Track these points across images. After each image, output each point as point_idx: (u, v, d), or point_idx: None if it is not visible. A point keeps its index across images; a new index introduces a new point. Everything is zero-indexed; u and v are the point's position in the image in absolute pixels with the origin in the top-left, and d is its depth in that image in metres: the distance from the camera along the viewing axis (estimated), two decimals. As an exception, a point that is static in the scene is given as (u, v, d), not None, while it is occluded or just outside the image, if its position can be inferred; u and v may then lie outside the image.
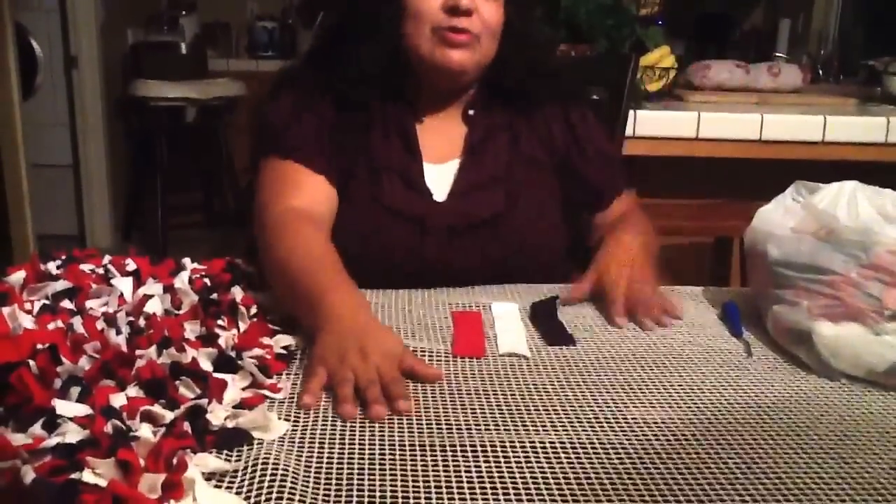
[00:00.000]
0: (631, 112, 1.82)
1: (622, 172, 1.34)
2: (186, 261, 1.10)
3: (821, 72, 3.32)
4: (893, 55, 2.53)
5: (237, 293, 0.95)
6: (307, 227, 1.04)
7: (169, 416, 0.68)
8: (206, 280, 1.02)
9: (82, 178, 3.93)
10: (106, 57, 3.89)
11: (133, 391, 0.72)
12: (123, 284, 0.97)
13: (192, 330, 0.85)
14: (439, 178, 1.20)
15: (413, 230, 1.16)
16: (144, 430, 0.64)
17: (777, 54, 3.53)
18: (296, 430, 0.72)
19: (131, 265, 1.06)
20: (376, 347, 0.81)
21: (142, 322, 0.86)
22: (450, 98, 1.24)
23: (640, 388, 0.85)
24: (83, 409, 0.67)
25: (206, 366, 0.78)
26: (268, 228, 1.04)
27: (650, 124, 1.96)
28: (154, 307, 0.90)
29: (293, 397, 0.79)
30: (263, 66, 4.18)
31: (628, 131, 1.89)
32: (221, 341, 0.83)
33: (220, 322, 0.89)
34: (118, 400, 0.69)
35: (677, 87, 2.35)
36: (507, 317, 1.02)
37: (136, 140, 4.09)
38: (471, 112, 1.24)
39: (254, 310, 0.94)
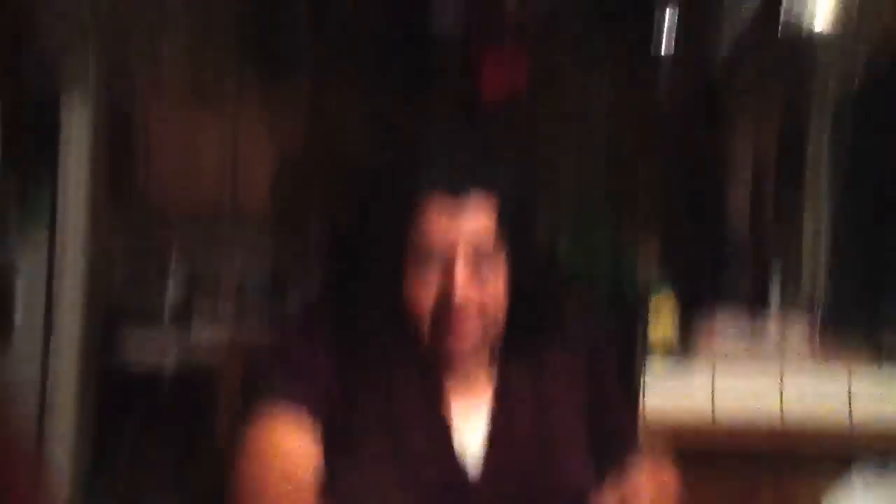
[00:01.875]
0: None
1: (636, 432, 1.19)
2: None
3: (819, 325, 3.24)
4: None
5: None
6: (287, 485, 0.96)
7: None
8: None
9: (45, 428, 3.69)
10: (91, 302, 3.79)
11: None
12: None
13: None
14: (469, 428, 1.06)
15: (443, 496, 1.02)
16: None
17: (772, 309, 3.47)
18: None
19: None
20: None
21: None
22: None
23: None
24: None
25: None
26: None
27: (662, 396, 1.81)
28: None
29: None
30: (253, 315, 4.08)
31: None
32: None
33: None
34: None
35: (680, 342, 2.24)
36: None
37: (109, 391, 3.89)
38: (496, 356, 1.11)
39: None
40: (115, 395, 3.80)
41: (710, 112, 4.21)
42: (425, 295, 1.00)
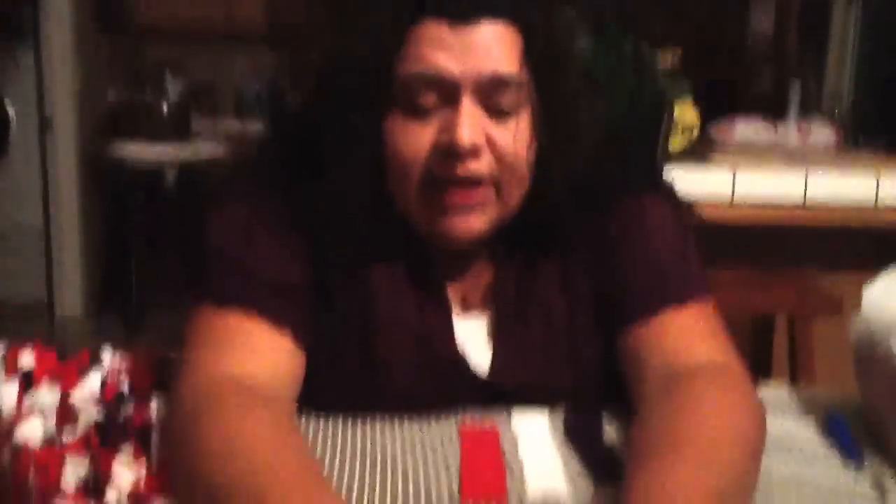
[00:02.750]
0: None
1: (682, 276, 0.80)
2: (106, 353, 0.82)
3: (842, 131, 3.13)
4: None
5: (155, 409, 0.68)
6: (254, 408, 0.63)
7: None
8: (124, 383, 0.75)
9: (52, 243, 3.68)
10: (83, 117, 3.68)
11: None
12: (3, 394, 0.70)
13: (74, 471, 0.58)
14: (470, 338, 0.81)
15: (431, 402, 0.78)
16: None
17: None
18: None
19: (28, 361, 0.78)
20: None
21: (7, 455, 0.59)
22: None
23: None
24: None
25: (83, 536, 0.51)
26: (187, 408, 0.63)
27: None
28: (31, 432, 0.63)
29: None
30: (251, 125, 3.97)
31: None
32: (113, 494, 0.55)
33: (122, 452, 0.62)
34: None
35: (698, 145, 2.13)
36: (534, 437, 0.74)
37: (112, 204, 3.85)
38: (497, 248, 0.82)
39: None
40: (115, 204, 3.79)
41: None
42: (418, 148, 0.72)
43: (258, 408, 0.63)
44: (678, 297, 0.77)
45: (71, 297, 3.69)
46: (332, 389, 0.77)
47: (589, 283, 0.82)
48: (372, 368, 0.78)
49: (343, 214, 0.76)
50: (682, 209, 0.85)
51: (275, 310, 0.73)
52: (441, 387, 0.79)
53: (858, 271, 1.33)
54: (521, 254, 0.82)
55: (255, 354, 0.70)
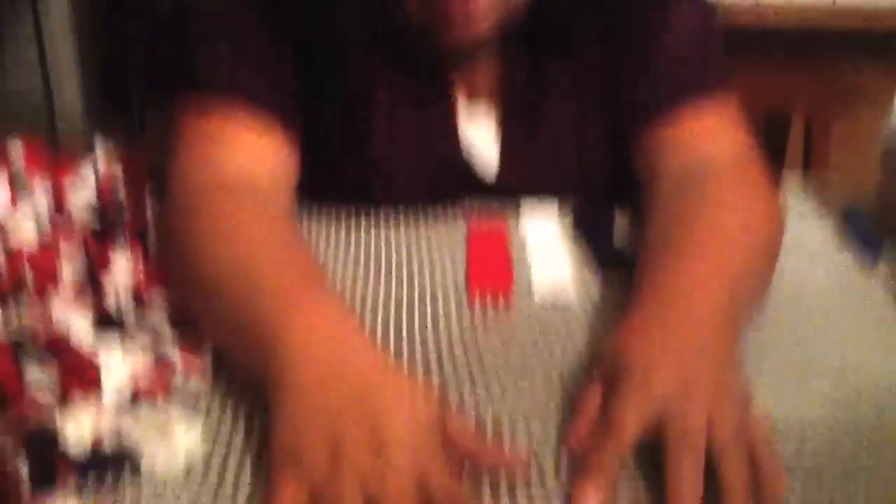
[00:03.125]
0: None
1: (701, 72, 0.75)
2: (98, 149, 0.80)
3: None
4: None
5: (151, 210, 0.66)
6: (249, 203, 0.61)
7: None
8: (119, 185, 0.73)
9: (46, 46, 3.58)
10: None
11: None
12: (-5, 192, 0.68)
13: (72, 268, 0.57)
14: (475, 139, 0.77)
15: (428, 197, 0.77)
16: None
17: None
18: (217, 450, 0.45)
19: (18, 160, 0.76)
20: (397, 418, 0.43)
21: (1, 257, 0.58)
22: None
23: (746, 358, 0.57)
24: None
25: (82, 331, 0.50)
26: (180, 207, 0.61)
27: None
28: (25, 234, 0.61)
29: (221, 384, 0.51)
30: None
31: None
32: (111, 287, 0.54)
33: (119, 252, 0.60)
34: None
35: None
36: (543, 231, 0.72)
37: (107, 11, 3.71)
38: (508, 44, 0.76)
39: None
40: (110, 11, 3.65)
41: None
42: None
43: (252, 199, 0.61)
44: (697, 93, 0.73)
45: (69, 91, 3.64)
46: (329, 194, 0.75)
47: (602, 85, 0.77)
48: (369, 171, 0.74)
49: (337, 11, 0.70)
50: (703, 5, 0.79)
51: (262, 99, 0.68)
52: (444, 191, 0.76)
53: (887, 75, 1.27)
54: (531, 54, 0.76)
55: (245, 149, 0.67)
